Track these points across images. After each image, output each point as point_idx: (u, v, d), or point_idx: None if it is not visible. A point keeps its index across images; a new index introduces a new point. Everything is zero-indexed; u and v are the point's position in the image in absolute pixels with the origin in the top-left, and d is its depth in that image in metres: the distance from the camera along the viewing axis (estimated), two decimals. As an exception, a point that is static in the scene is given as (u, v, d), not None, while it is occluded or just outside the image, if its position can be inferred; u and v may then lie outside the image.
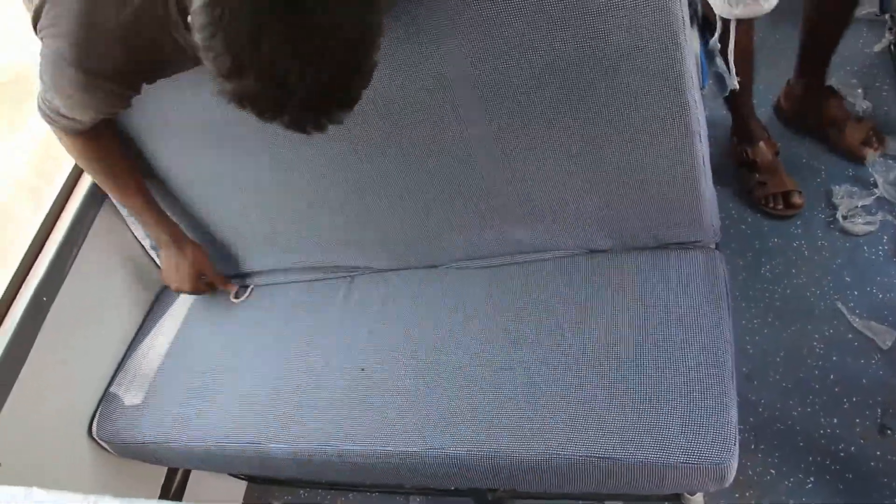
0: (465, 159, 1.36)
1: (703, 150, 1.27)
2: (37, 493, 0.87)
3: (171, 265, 1.67)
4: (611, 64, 1.14)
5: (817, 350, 1.78)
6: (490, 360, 1.36)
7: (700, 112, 1.23)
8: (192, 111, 1.41)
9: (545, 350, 1.33)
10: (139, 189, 1.54)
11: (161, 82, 1.22)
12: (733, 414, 1.16)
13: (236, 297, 1.76)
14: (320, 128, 0.89)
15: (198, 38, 0.81)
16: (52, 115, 1.25)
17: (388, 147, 1.37)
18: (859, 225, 1.93)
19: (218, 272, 1.74)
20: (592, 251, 1.45)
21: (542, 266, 1.47)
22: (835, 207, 1.99)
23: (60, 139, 1.36)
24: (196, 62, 0.97)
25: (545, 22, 1.12)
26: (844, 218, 1.95)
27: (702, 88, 1.35)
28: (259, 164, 1.49)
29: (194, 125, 1.45)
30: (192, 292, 1.71)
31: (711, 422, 1.15)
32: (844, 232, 1.95)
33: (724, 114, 2.09)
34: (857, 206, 1.96)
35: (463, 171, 1.38)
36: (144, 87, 1.19)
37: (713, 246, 1.41)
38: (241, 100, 0.85)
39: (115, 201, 1.66)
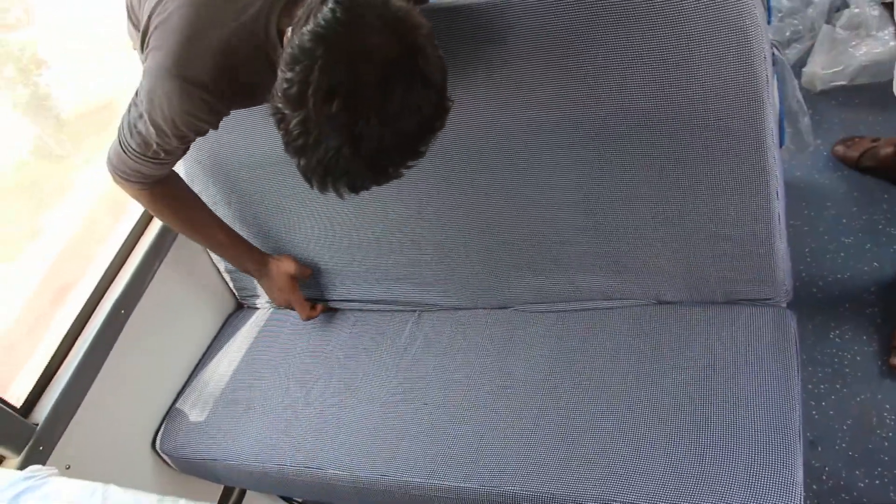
0: (545, 205, 1.38)
1: (779, 207, 1.26)
2: (113, 490, 0.90)
3: (269, 287, 1.71)
4: (694, 119, 1.16)
5: (888, 421, 1.72)
6: (551, 405, 1.36)
7: (778, 170, 1.23)
8: (269, 142, 1.47)
9: (610, 399, 1.33)
10: (219, 227, 1.57)
11: (244, 114, 1.26)
12: (799, 476, 1.14)
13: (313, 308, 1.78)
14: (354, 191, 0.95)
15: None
16: (121, 174, 1.27)
17: (469, 187, 1.41)
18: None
19: (301, 266, 1.74)
20: (661, 302, 1.45)
21: (610, 314, 1.48)
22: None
23: (134, 194, 1.36)
24: None
25: (638, 75, 1.15)
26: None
27: (780, 146, 1.35)
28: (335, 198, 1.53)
29: (274, 156, 1.50)
30: (298, 302, 1.73)
31: (777, 483, 1.13)
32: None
33: (797, 175, 2.07)
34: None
35: (541, 216, 1.40)
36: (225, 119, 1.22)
37: (784, 305, 1.39)
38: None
39: (201, 245, 1.70)
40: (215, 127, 1.17)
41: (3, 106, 1.71)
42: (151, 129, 1.13)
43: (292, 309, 1.76)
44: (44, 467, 1.01)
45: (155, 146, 1.17)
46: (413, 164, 0.94)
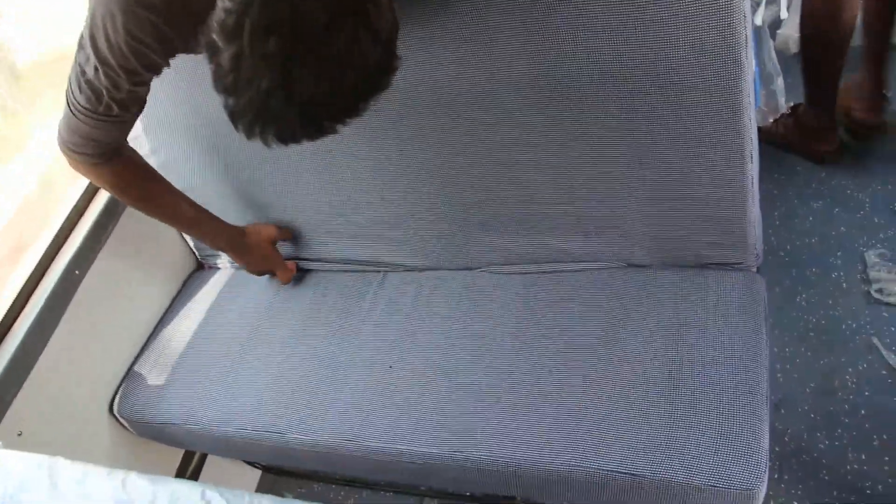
0: (514, 164, 1.34)
1: (753, 170, 1.24)
2: (61, 463, 0.86)
3: (248, 259, 1.66)
4: (670, 78, 1.12)
5: (849, 384, 1.74)
6: (518, 367, 1.34)
7: (753, 132, 1.21)
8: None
9: (575, 362, 1.31)
10: (186, 203, 1.49)
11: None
12: (766, 440, 1.14)
13: None
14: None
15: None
16: (73, 146, 1.20)
17: (437, 144, 1.36)
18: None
19: (281, 229, 1.69)
20: (631, 265, 1.43)
21: (579, 277, 1.45)
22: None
23: (88, 174, 1.30)
24: None
25: (609, 30, 1.10)
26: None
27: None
28: (301, 150, 1.48)
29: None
30: (281, 266, 1.69)
31: (743, 447, 1.13)
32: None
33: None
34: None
35: (510, 175, 1.36)
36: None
37: (754, 269, 1.38)
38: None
39: (169, 225, 1.61)
40: (165, 62, 1.09)
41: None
42: (99, 70, 1.04)
43: (268, 274, 1.72)
44: (-18, 440, 0.96)
45: (106, 96, 1.08)
46: (349, 121, 0.88)
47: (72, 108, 1.13)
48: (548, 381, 1.30)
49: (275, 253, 1.69)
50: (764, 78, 1.98)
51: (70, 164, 1.25)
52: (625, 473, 1.16)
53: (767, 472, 1.12)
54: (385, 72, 0.87)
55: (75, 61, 1.08)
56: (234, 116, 0.85)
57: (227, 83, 0.81)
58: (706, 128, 1.17)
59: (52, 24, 1.75)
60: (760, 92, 1.99)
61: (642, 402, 1.22)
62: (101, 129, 1.15)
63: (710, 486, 1.11)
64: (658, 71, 1.12)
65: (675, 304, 1.34)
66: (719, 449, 1.13)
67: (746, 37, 1.08)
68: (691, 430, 1.16)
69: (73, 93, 1.11)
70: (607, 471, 1.17)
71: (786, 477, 1.64)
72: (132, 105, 1.14)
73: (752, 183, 1.25)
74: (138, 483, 0.79)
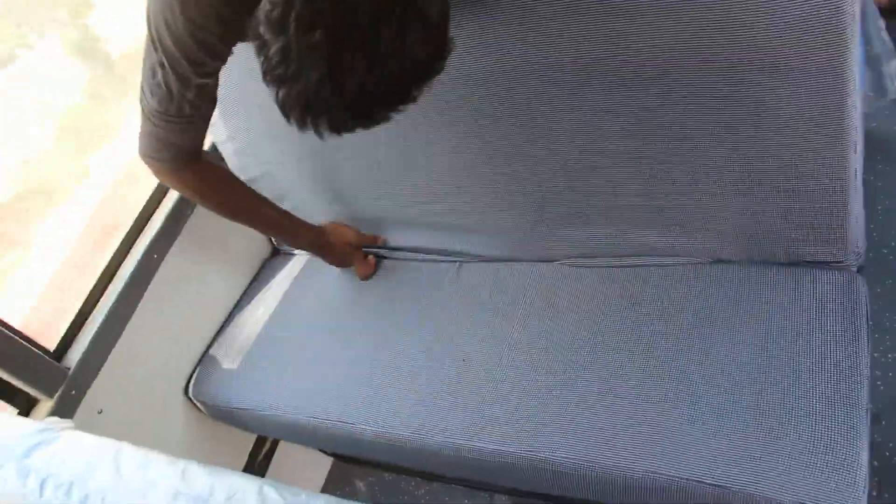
0: (597, 152, 1.27)
1: (856, 161, 1.14)
2: (126, 448, 0.87)
3: (329, 260, 1.67)
4: (768, 59, 1.04)
5: (957, 393, 1.61)
6: (599, 365, 1.28)
7: (858, 121, 1.11)
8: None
9: (658, 362, 1.25)
10: (267, 204, 1.50)
11: None
12: (864, 457, 1.05)
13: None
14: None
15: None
16: (152, 152, 1.21)
17: (514, 131, 1.31)
18: None
19: (363, 234, 1.70)
20: (718, 261, 1.35)
21: (663, 272, 1.37)
22: None
23: (170, 181, 1.32)
24: None
25: (707, 7, 1.02)
26: None
27: (859, 92, 1.22)
28: (376, 137, 1.46)
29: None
30: (360, 262, 1.70)
31: (839, 462, 1.04)
32: None
33: (873, 125, 1.92)
34: None
35: (588, 163, 1.30)
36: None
37: (854, 268, 1.27)
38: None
39: (252, 228, 1.62)
40: (228, 48, 1.08)
41: (56, 49, 1.69)
42: (166, 66, 1.04)
43: (362, 272, 1.71)
44: (59, 420, 0.98)
45: (176, 94, 1.08)
46: (404, 108, 0.85)
47: (146, 113, 1.14)
48: (624, 383, 1.24)
49: (355, 252, 1.69)
50: (871, 60, 1.84)
51: (153, 173, 1.27)
52: (709, 484, 1.09)
53: (867, 490, 1.03)
54: (437, 57, 0.84)
55: (144, 66, 1.09)
56: (285, 108, 0.84)
57: (276, 75, 0.80)
58: (805, 114, 1.08)
59: (142, 15, 1.81)
60: (867, 75, 1.85)
61: (729, 410, 1.14)
62: (176, 132, 1.17)
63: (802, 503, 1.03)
64: (752, 49, 1.04)
65: (766, 304, 1.25)
66: (813, 464, 1.04)
67: (854, 12, 0.98)
68: (782, 442, 1.08)
69: (145, 98, 1.12)
70: (689, 479, 1.10)
71: (885, 495, 1.53)
72: (203, 103, 1.14)
73: (856, 175, 1.15)
74: (198, 473, 0.79)
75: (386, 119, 0.86)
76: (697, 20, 1.04)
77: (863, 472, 1.03)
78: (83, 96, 1.75)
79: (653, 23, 1.06)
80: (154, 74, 1.07)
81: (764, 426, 1.10)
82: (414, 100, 0.85)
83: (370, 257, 1.72)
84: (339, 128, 0.85)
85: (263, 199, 1.49)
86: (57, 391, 1.39)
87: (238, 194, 1.44)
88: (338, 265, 1.70)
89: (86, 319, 1.51)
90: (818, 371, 1.13)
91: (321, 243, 1.64)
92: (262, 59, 0.81)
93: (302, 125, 0.85)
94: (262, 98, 1.47)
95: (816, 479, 1.03)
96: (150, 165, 1.25)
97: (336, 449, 1.82)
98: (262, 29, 0.79)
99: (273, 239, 1.89)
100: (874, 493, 1.52)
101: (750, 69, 1.06)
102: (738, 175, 1.20)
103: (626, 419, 1.20)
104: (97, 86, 1.80)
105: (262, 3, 0.79)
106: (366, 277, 1.70)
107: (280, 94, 0.82)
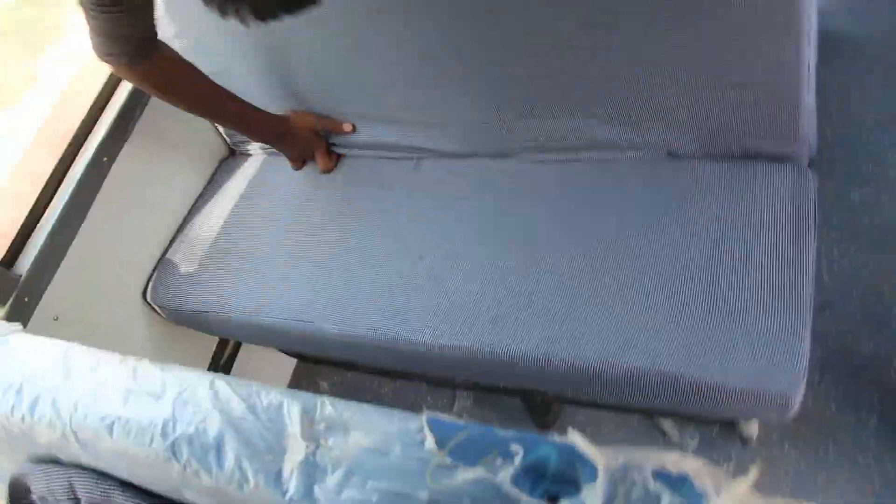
0: (552, 42, 1.25)
1: (810, 55, 1.14)
2: (75, 349, 0.86)
3: (294, 151, 1.65)
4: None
5: (900, 287, 1.67)
6: (553, 259, 1.30)
7: (812, 10, 1.10)
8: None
9: (612, 253, 1.27)
10: (228, 96, 1.46)
11: None
12: (807, 344, 1.09)
13: None
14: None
15: None
16: (103, 48, 1.18)
17: (470, 18, 1.28)
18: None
19: (327, 117, 1.65)
20: (672, 154, 1.35)
21: (618, 166, 1.38)
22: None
23: (130, 78, 1.29)
24: None
25: None
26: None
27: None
28: (324, 27, 1.41)
29: None
30: (322, 153, 1.67)
31: (783, 349, 1.08)
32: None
33: (829, 20, 1.91)
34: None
35: (546, 54, 1.28)
36: None
37: (806, 163, 1.29)
38: None
39: (213, 122, 1.59)
40: None
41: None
42: None
43: (324, 165, 1.68)
44: (7, 323, 0.97)
45: None
46: None
47: (84, 5, 1.10)
48: (582, 274, 1.26)
49: (317, 139, 1.65)
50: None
51: (114, 72, 1.25)
52: (658, 371, 1.13)
53: (806, 377, 1.07)
54: None
55: None
56: None
57: None
58: (760, 4, 1.06)
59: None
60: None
61: (678, 299, 1.17)
62: (117, 23, 1.13)
63: (748, 387, 1.07)
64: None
65: (719, 197, 1.27)
66: (758, 350, 1.08)
67: None
68: (729, 329, 1.12)
69: None
70: (638, 367, 1.14)
71: (825, 379, 1.60)
72: None
73: (809, 69, 1.16)
74: (150, 370, 0.79)
75: (313, 2, 0.83)
76: None
77: (804, 358, 1.07)
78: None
79: None
80: None
81: (713, 314, 1.14)
82: None
83: (333, 155, 1.69)
84: (263, 13, 0.83)
85: (226, 92, 1.45)
86: (9, 299, 1.37)
87: (200, 86, 1.40)
88: (300, 156, 1.67)
89: (35, 226, 1.47)
90: (766, 260, 1.16)
91: (285, 132, 1.60)
92: None
93: (223, 11, 0.81)
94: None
95: (761, 364, 1.07)
96: (108, 63, 1.22)
97: (298, 348, 1.84)
98: None
99: (228, 138, 1.85)
100: (816, 378, 1.59)
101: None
102: (693, 67, 1.20)
103: (580, 311, 1.22)
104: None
105: None
106: (327, 170, 1.67)
107: None
